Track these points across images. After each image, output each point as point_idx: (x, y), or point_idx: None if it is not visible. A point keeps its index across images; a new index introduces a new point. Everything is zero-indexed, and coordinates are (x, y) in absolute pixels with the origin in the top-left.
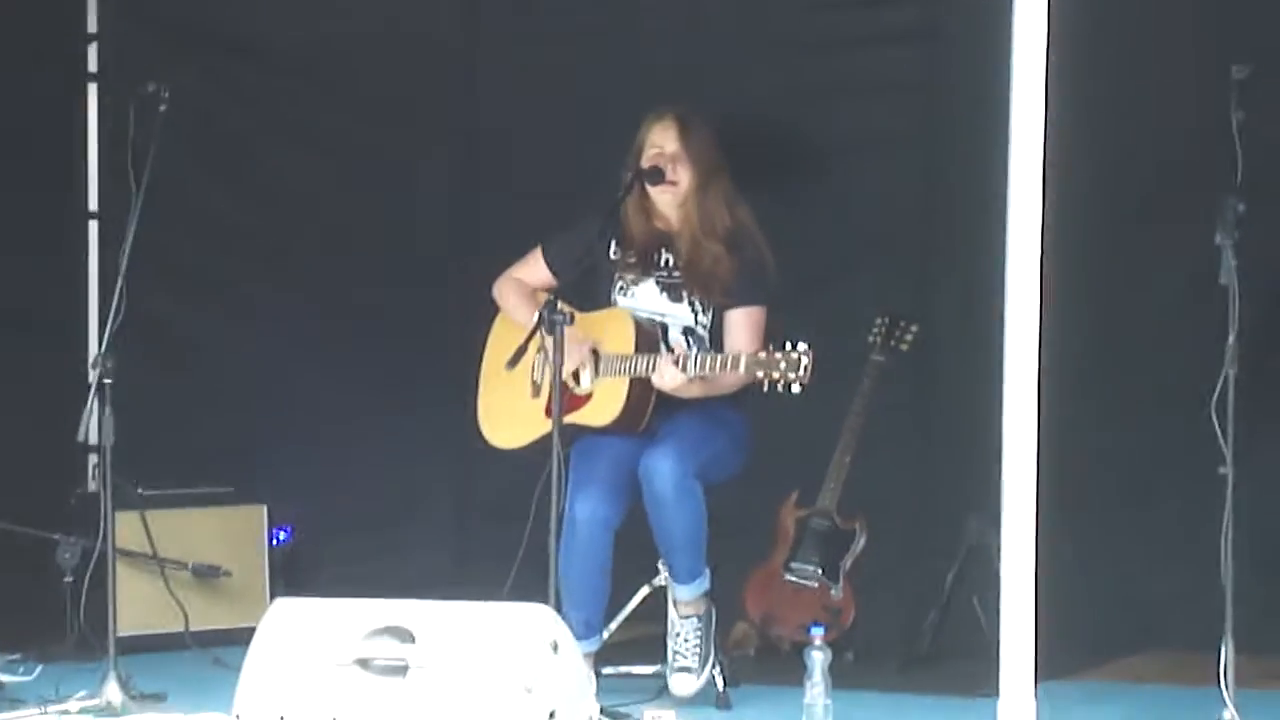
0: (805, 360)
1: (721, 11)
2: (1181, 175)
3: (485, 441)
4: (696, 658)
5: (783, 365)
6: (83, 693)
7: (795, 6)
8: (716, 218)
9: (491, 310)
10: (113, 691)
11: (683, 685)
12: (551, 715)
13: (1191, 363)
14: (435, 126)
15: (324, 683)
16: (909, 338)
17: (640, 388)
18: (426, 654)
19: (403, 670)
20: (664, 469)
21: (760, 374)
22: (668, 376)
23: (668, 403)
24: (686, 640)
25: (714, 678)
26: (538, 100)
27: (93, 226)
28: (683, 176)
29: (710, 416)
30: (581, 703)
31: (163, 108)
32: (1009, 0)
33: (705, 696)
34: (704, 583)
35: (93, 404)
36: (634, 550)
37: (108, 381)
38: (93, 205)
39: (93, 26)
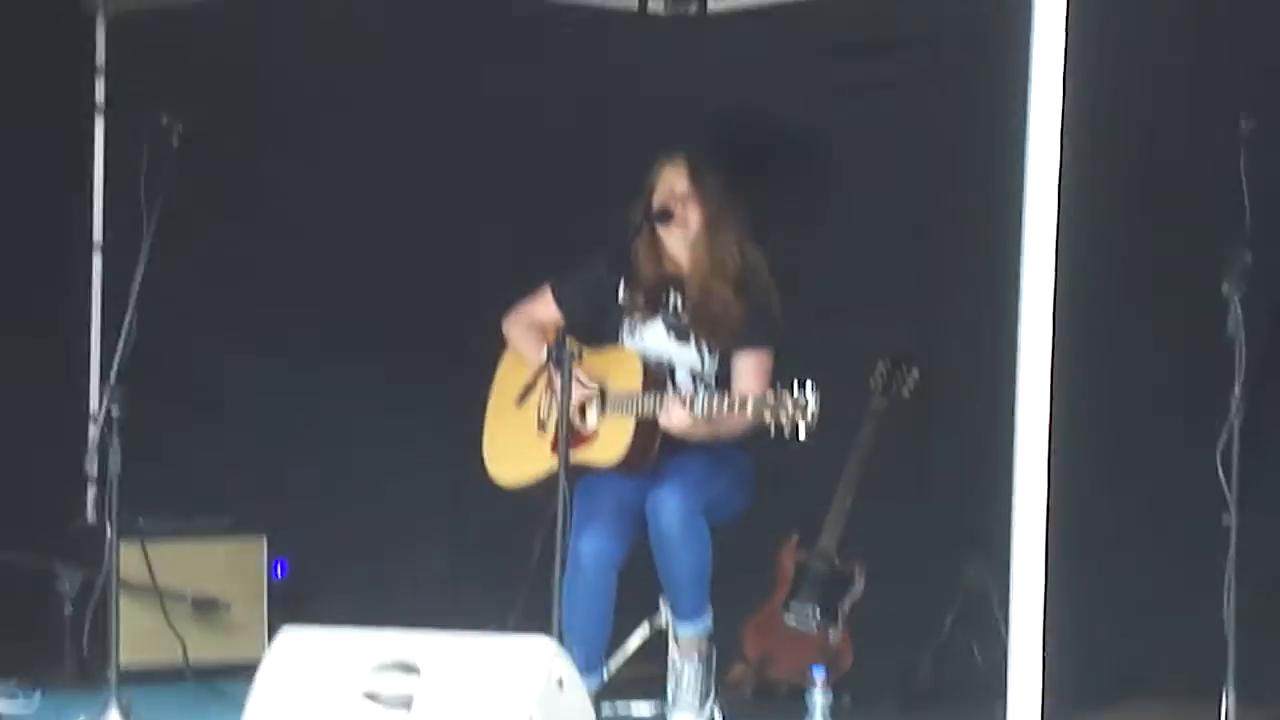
0: (812, 402)
1: (725, 54)
2: (1190, 225)
3: (485, 476)
4: (696, 695)
5: (790, 407)
6: None
7: (798, 51)
8: (726, 259)
9: (494, 346)
10: None
11: None
12: None
13: (1197, 412)
14: (439, 159)
15: (329, 714)
16: (910, 382)
17: (647, 427)
18: (432, 687)
19: (408, 703)
20: (671, 506)
21: (767, 416)
22: (675, 417)
23: (673, 442)
24: (688, 678)
25: (713, 716)
26: (542, 138)
27: (97, 258)
28: (693, 217)
29: (716, 455)
30: None
31: (175, 141)
32: (1013, 46)
33: None
34: (706, 621)
35: (100, 435)
36: (635, 588)
37: (116, 412)
38: (97, 236)
39: (100, 59)
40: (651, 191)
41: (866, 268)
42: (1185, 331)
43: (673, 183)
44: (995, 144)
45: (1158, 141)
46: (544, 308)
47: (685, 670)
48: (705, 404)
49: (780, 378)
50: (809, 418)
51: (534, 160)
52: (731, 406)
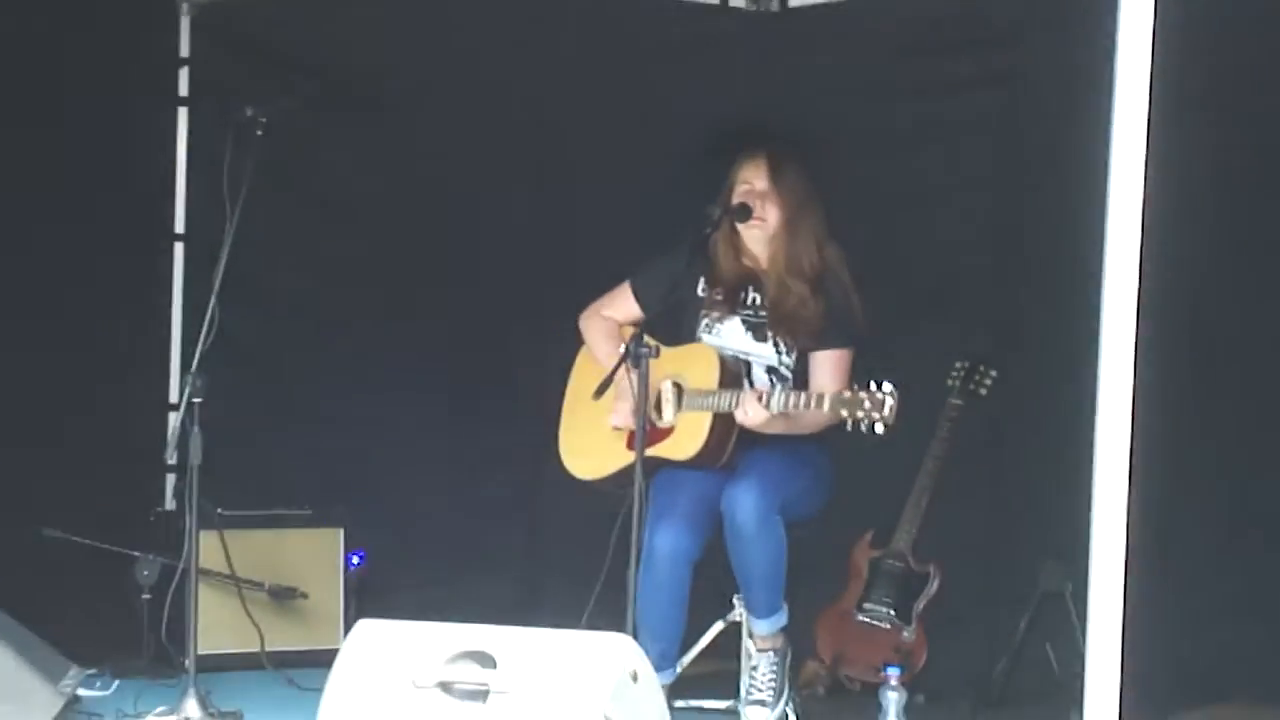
0: (890, 400)
1: (806, 49)
2: (1276, 224)
3: (561, 471)
4: (772, 692)
5: (867, 405)
6: (162, 708)
7: (880, 46)
8: (804, 257)
9: (568, 338)
10: (192, 708)
11: (757, 718)
12: None
13: (1278, 414)
14: (518, 155)
15: (405, 705)
16: (988, 383)
17: (723, 423)
18: (507, 679)
19: (483, 695)
20: (747, 503)
21: (844, 413)
22: (751, 412)
23: (750, 438)
24: (763, 673)
25: (787, 714)
26: (620, 137)
27: (178, 248)
28: (771, 214)
29: (794, 453)
30: None
31: (259, 133)
32: (1093, 44)
33: None
34: (781, 618)
35: (181, 423)
36: (710, 584)
37: (197, 401)
38: (179, 227)
39: (185, 51)
40: (731, 188)
41: (946, 267)
42: (1268, 332)
43: (752, 180)
44: (1079, 142)
45: (1246, 137)
46: (622, 304)
47: (759, 667)
48: (782, 400)
49: (858, 377)
50: (887, 414)
51: (611, 155)
52: (809, 402)
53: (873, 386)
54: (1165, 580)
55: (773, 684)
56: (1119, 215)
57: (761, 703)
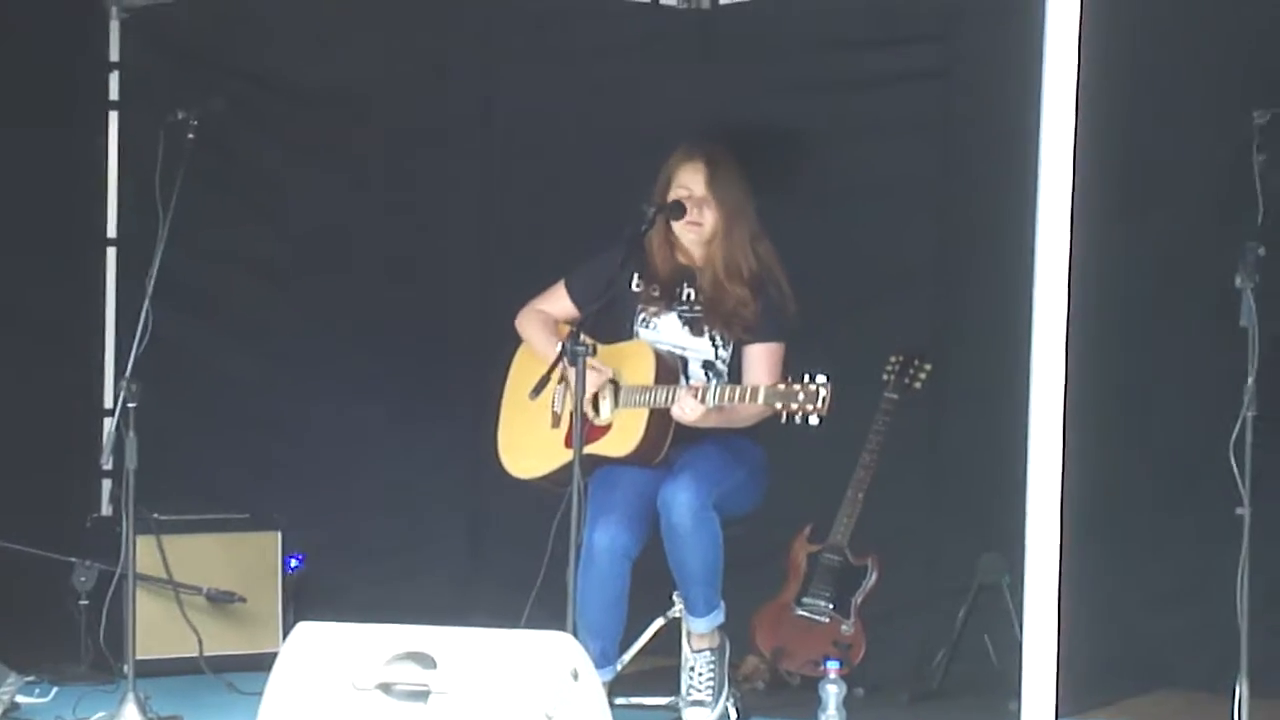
0: (824, 392)
1: (737, 46)
2: (1203, 218)
3: (500, 470)
4: (711, 691)
5: (801, 397)
6: (101, 714)
7: (811, 44)
8: (741, 259)
9: (507, 338)
10: (131, 713)
11: (697, 718)
12: None
13: (1209, 404)
14: (451, 155)
15: (345, 707)
16: (922, 376)
17: (659, 419)
18: (448, 679)
19: (424, 695)
20: (682, 500)
21: (779, 405)
22: (688, 408)
23: (687, 434)
24: (700, 673)
25: (727, 711)
26: (555, 135)
27: (110, 253)
28: (708, 219)
29: (729, 449)
30: None
31: (190, 136)
32: (1028, 40)
33: None
34: (719, 615)
35: (116, 428)
36: (648, 582)
37: (132, 405)
38: (111, 232)
39: (115, 55)
40: (666, 185)
41: (879, 262)
42: (1199, 324)
43: (690, 185)
44: (1009, 137)
45: (1172, 133)
46: (558, 302)
47: (699, 664)
48: (717, 394)
49: (792, 371)
50: (821, 406)
51: (547, 154)
52: (743, 396)
53: (806, 378)
54: (1101, 571)
55: (711, 684)
56: (1049, 211)
57: (700, 703)
